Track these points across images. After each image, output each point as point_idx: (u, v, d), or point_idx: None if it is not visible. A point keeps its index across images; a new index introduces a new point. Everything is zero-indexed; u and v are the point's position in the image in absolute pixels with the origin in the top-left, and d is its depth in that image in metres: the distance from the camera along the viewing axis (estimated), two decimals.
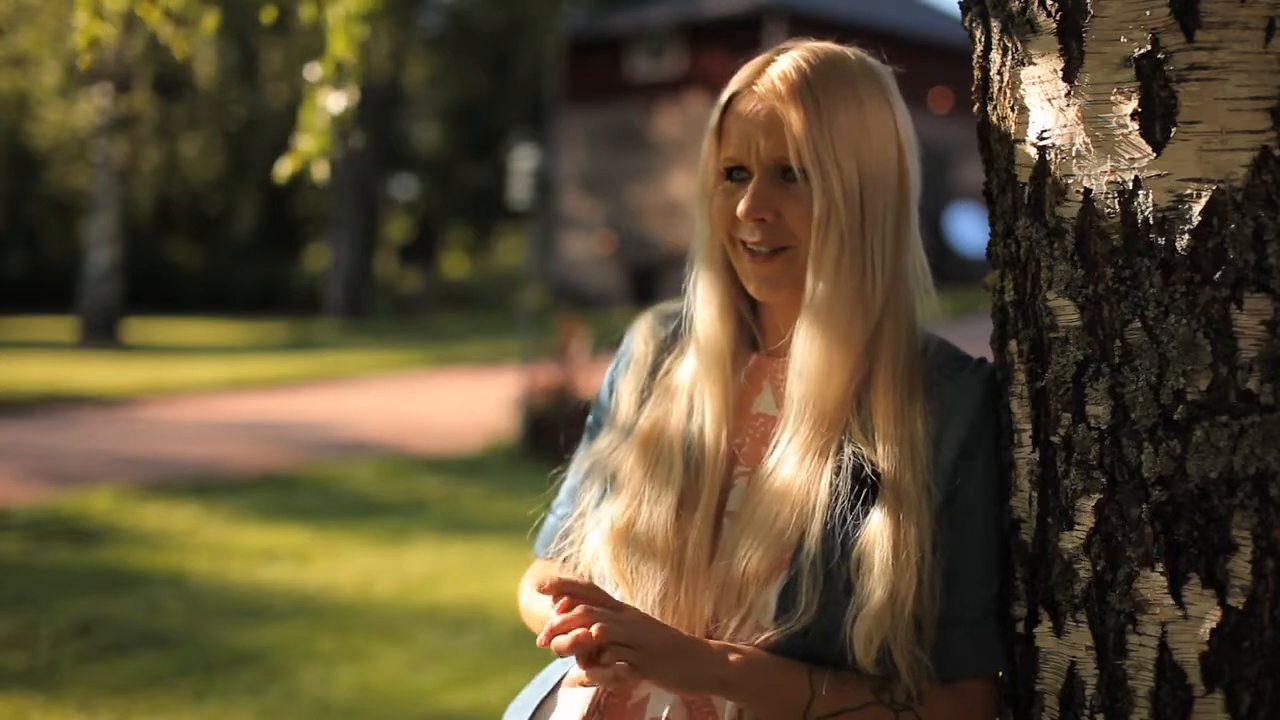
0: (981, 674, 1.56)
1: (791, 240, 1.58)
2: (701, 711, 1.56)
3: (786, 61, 1.58)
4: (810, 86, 1.55)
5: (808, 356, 1.57)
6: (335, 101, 3.51)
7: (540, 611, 1.68)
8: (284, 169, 3.54)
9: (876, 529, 1.51)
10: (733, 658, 1.50)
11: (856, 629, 1.48)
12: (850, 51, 1.62)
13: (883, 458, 1.54)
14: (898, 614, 1.48)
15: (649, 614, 1.54)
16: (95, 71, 18.11)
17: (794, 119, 1.54)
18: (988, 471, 1.57)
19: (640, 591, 1.59)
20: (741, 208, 1.58)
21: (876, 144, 1.57)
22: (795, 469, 1.56)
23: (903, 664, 1.49)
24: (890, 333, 1.58)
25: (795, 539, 1.53)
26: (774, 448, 1.59)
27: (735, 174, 1.61)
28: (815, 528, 1.52)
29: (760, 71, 1.60)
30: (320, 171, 3.53)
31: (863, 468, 1.54)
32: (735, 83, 1.62)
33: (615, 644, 1.43)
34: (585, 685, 1.55)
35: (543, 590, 1.48)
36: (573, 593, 1.47)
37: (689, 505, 1.60)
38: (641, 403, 1.70)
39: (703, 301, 1.67)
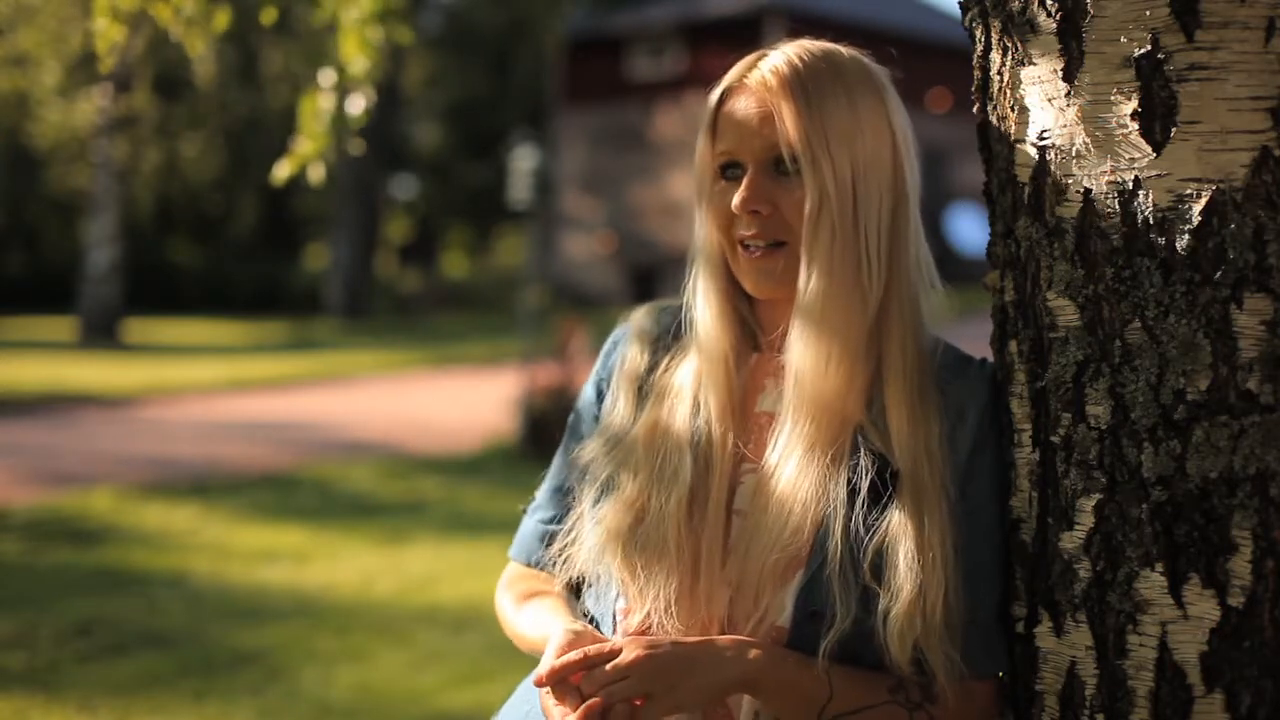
0: (987, 674, 1.56)
1: (787, 233, 1.58)
2: (717, 713, 1.55)
3: (778, 56, 1.60)
4: (801, 80, 1.56)
5: (804, 350, 1.57)
6: (353, 104, 3.51)
7: (528, 635, 1.66)
8: (282, 171, 3.54)
9: (899, 528, 1.50)
10: (753, 654, 1.49)
11: (889, 630, 1.48)
12: (845, 50, 1.63)
13: (900, 456, 1.53)
14: (929, 615, 1.48)
15: (648, 632, 1.53)
16: (96, 72, 18.11)
17: (785, 110, 1.55)
18: (994, 471, 1.57)
19: (652, 590, 1.57)
20: (737, 200, 1.58)
21: (869, 138, 1.57)
22: (801, 465, 1.55)
23: (938, 664, 1.49)
24: (896, 329, 1.57)
25: (810, 538, 1.53)
26: (774, 444, 1.59)
27: (730, 171, 1.62)
28: (837, 528, 1.51)
29: (752, 66, 1.61)
30: (317, 174, 3.53)
31: (881, 467, 1.54)
32: (727, 78, 1.63)
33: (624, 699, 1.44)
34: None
35: (538, 684, 1.47)
36: (560, 676, 1.46)
37: (698, 503, 1.59)
38: (639, 402, 1.69)
39: (702, 301, 1.67)
